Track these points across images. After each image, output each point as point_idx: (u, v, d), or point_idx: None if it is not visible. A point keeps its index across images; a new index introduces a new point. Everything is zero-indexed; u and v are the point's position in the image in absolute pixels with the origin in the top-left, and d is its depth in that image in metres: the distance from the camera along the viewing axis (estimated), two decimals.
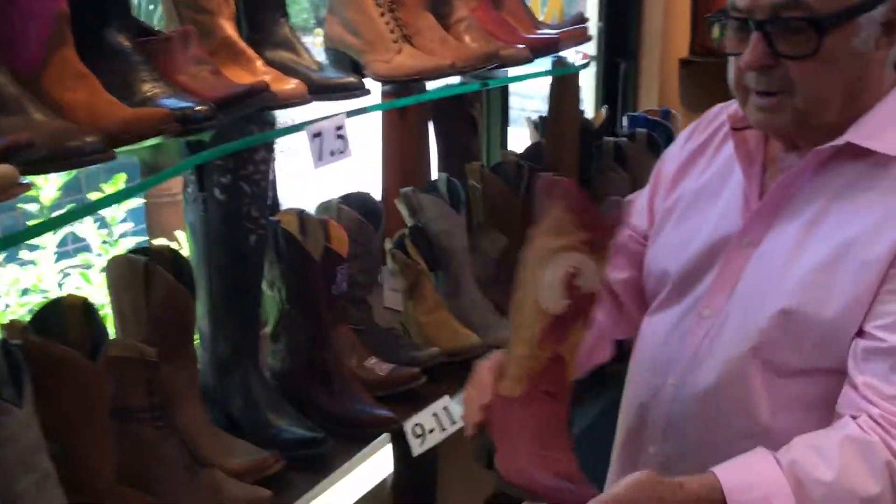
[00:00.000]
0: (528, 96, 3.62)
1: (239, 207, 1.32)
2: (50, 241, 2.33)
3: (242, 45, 1.25)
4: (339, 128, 1.28)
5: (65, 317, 1.11)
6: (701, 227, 1.15)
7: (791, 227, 1.05)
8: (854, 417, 0.96)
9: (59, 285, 2.24)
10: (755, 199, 1.10)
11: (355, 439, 1.45)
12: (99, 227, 2.39)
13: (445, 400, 1.52)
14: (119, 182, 2.11)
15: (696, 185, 1.19)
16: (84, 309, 1.12)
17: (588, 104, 3.01)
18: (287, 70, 1.28)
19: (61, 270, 2.29)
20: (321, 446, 1.35)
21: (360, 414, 1.45)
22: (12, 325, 1.06)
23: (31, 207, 2.34)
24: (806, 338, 1.01)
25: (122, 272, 1.23)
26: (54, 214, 2.08)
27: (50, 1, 0.98)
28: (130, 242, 2.39)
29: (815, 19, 0.95)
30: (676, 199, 1.22)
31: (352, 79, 1.32)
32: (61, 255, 2.44)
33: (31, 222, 2.13)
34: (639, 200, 1.32)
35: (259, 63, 1.25)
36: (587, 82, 3.00)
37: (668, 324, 1.16)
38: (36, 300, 2.13)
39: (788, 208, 1.06)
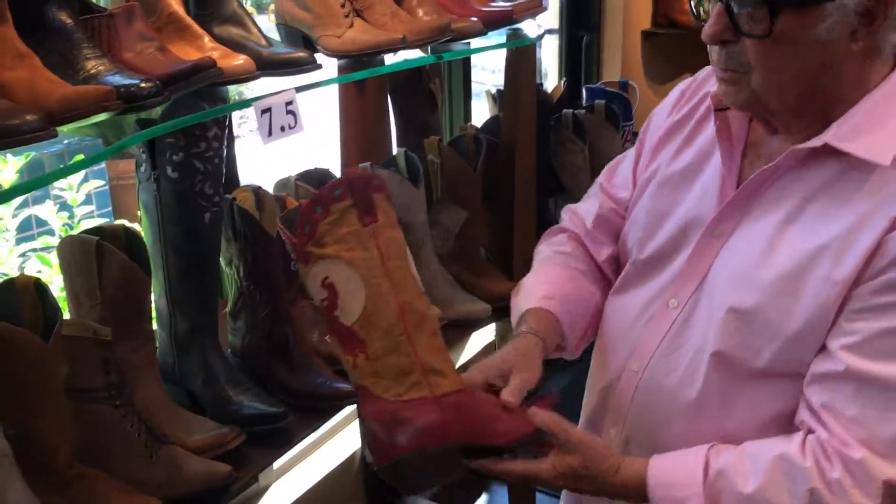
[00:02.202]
0: (494, 70, 3.62)
1: (192, 185, 1.32)
2: (10, 224, 2.31)
3: (189, 20, 1.24)
4: (290, 103, 1.28)
5: (18, 297, 1.11)
6: (674, 208, 1.11)
7: (763, 224, 1.01)
8: (810, 432, 0.95)
9: (21, 268, 2.22)
10: (732, 187, 1.05)
11: (317, 413, 1.47)
12: (60, 210, 2.37)
13: None
14: None
15: (675, 161, 1.15)
16: (37, 289, 1.12)
17: (552, 77, 3.01)
18: (235, 46, 1.28)
19: (22, 254, 2.28)
20: (281, 421, 1.36)
21: (321, 388, 1.46)
22: None
23: None
24: (767, 344, 0.98)
25: (74, 252, 1.23)
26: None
27: None
28: (92, 225, 2.38)
29: None
30: (654, 170, 1.17)
31: (301, 54, 1.31)
32: (24, 239, 2.43)
33: None
34: (623, 168, 1.26)
35: (206, 39, 1.24)
36: (551, 55, 3.01)
37: (634, 308, 1.14)
38: None
39: (763, 202, 1.02)
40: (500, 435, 0.99)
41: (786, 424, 0.99)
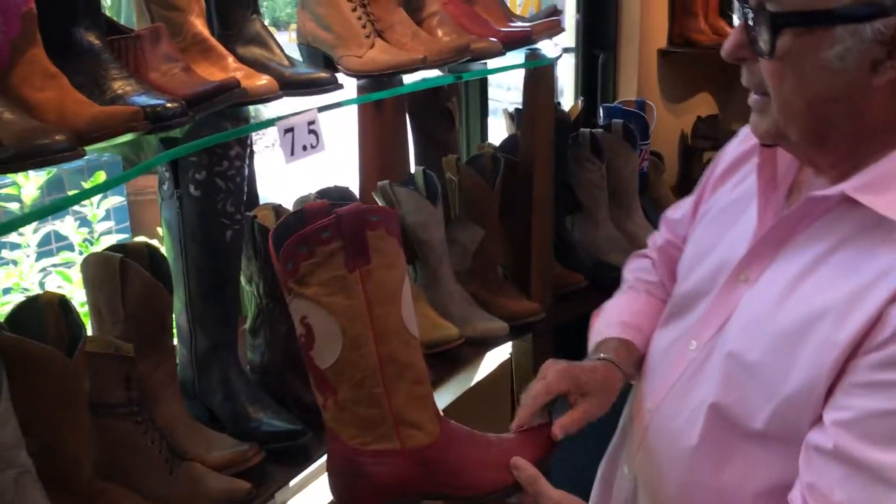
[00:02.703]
0: (510, 88, 3.63)
1: (214, 203, 1.33)
2: (31, 240, 2.34)
3: (213, 41, 1.26)
4: (312, 123, 1.29)
5: (42, 313, 1.12)
6: (715, 245, 1.07)
7: (785, 272, 0.93)
8: None
9: (41, 284, 2.24)
10: (765, 230, 0.98)
11: None
12: (80, 226, 2.40)
13: None
14: (99, 180, 2.13)
15: (727, 197, 1.10)
16: (61, 305, 1.13)
17: (568, 95, 3.03)
18: (259, 66, 1.29)
19: (42, 269, 2.30)
20: (301, 438, 1.37)
21: None
22: None
23: (13, 206, 2.35)
24: (764, 403, 0.91)
25: (98, 269, 1.24)
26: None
27: (17, 1, 0.98)
28: (112, 240, 2.40)
29: (775, 15, 0.85)
30: (710, 206, 1.13)
31: (323, 74, 1.33)
32: (44, 255, 2.46)
33: None
34: (688, 200, 1.23)
35: (230, 59, 1.26)
36: (567, 73, 3.02)
37: (662, 345, 1.12)
38: (18, 299, 2.15)
39: (792, 248, 0.94)
40: (474, 487, 0.99)
41: (781, 500, 0.92)
